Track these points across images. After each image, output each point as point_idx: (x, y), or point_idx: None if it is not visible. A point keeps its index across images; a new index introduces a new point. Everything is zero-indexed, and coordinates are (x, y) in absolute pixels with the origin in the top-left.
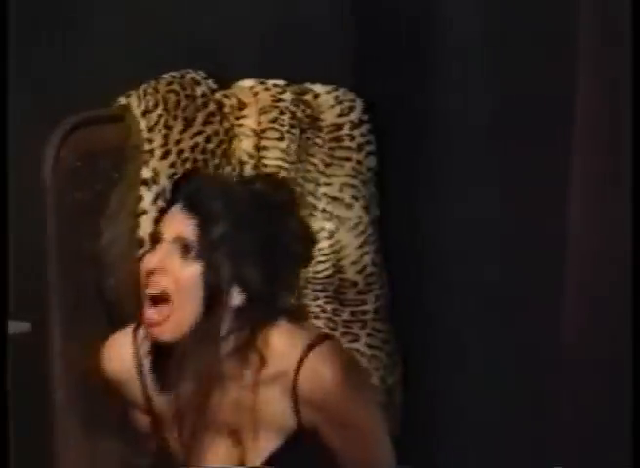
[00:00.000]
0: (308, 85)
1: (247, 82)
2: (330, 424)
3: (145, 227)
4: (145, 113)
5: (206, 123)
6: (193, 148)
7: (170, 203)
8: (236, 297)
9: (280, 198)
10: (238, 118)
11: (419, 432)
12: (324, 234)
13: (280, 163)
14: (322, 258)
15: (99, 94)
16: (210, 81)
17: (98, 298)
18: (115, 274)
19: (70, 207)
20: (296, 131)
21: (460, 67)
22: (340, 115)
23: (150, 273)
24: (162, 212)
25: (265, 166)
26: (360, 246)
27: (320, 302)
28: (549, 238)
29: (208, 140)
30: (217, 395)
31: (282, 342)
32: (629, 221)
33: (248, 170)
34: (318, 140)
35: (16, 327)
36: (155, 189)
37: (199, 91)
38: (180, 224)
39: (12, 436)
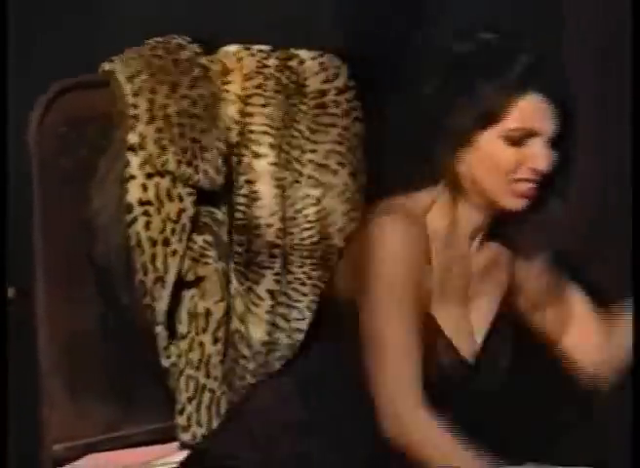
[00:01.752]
0: (293, 51)
1: (232, 47)
2: None
3: (133, 193)
4: (130, 78)
5: (191, 87)
6: (179, 113)
7: (519, 89)
8: None
9: None
10: (223, 83)
11: None
12: (310, 201)
13: (265, 129)
14: (308, 225)
15: (84, 59)
16: (195, 46)
17: (86, 265)
18: (105, 240)
19: (56, 173)
20: (280, 97)
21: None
22: (325, 81)
23: (538, 173)
24: (507, 99)
25: (251, 132)
26: (347, 212)
27: (306, 269)
28: None
29: (194, 105)
30: None
31: None
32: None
33: (234, 137)
34: (303, 107)
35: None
36: (142, 154)
37: (184, 55)
38: (549, 120)
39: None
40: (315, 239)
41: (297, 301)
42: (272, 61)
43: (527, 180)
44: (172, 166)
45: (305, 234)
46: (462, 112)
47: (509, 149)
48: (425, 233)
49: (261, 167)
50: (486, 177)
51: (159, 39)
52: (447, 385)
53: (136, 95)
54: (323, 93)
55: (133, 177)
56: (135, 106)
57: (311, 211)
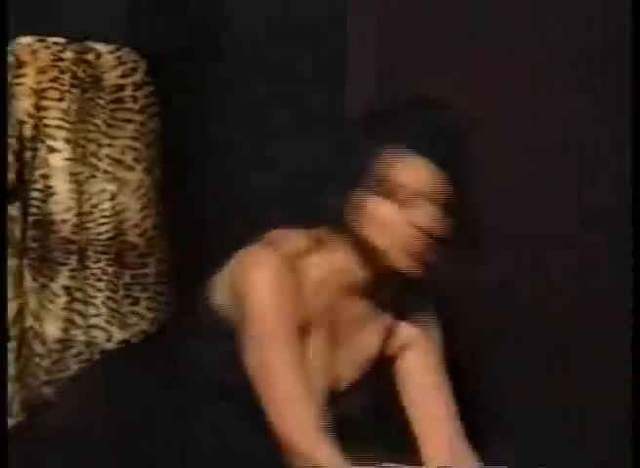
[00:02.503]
0: (90, 44)
1: (25, 40)
2: None
3: None
4: None
5: None
6: None
7: (389, 141)
8: None
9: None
10: (17, 76)
11: None
12: (106, 196)
13: (60, 123)
14: (104, 220)
15: None
16: None
17: None
18: None
19: None
20: (76, 91)
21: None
22: (122, 76)
23: (426, 234)
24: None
25: (46, 126)
26: (142, 209)
27: (101, 264)
28: None
29: None
30: None
31: None
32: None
33: (29, 130)
34: (100, 101)
35: None
36: None
37: None
38: (432, 178)
39: None
40: (111, 234)
41: (93, 297)
42: (68, 54)
43: (417, 242)
44: None
45: (101, 229)
46: (352, 169)
47: (397, 210)
48: (297, 277)
49: (57, 162)
50: (377, 237)
51: None
52: None
53: None
54: (120, 87)
55: None
56: None
57: (107, 206)
